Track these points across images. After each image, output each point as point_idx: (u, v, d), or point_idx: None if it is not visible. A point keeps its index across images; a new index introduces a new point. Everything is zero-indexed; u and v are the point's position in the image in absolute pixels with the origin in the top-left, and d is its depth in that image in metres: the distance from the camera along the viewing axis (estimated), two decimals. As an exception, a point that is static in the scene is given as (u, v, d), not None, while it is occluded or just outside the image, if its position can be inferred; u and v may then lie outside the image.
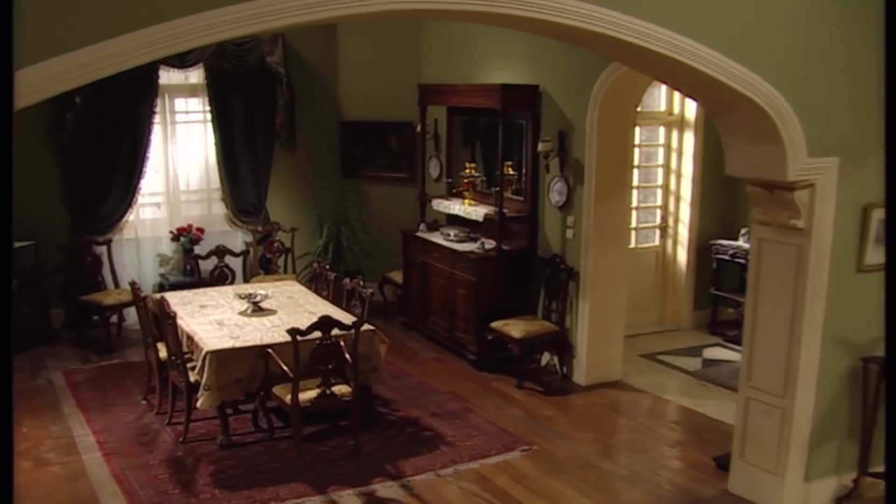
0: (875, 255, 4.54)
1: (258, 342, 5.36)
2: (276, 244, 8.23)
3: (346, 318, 5.46)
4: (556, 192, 6.75)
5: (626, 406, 6.31)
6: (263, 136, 8.41)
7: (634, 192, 7.75)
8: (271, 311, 6.03)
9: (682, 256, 8.07)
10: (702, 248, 7.98)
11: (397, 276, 8.30)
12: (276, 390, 5.31)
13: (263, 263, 8.26)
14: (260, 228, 8.31)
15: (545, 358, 7.01)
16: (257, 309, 6.02)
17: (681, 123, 7.90)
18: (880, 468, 4.73)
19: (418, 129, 8.09)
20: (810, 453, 4.63)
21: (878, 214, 4.50)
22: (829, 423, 4.66)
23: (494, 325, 6.75)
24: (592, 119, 6.31)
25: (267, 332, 5.55)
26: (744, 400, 4.82)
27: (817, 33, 4.15)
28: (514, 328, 6.62)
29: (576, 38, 3.95)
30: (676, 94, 7.70)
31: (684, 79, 4.22)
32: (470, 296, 7.01)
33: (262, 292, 6.25)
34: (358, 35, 8.56)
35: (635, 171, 7.71)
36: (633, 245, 7.83)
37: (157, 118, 7.94)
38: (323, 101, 8.75)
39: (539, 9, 3.43)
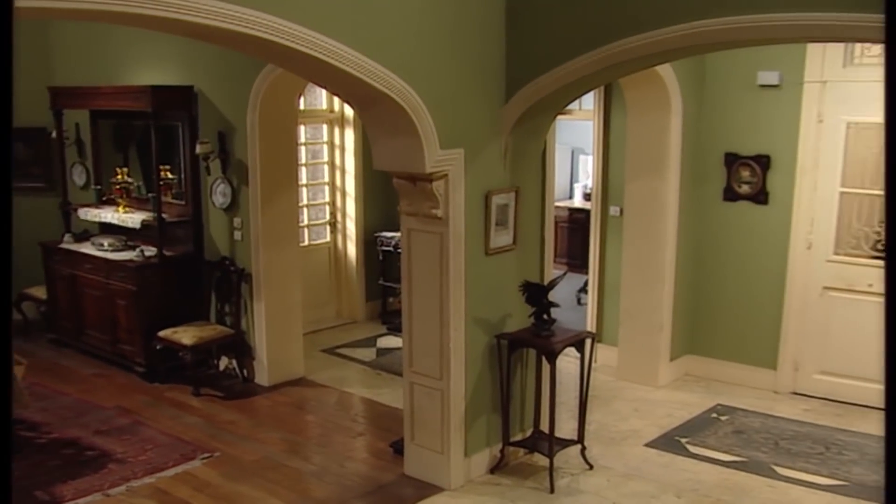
0: (497, 238, 4.85)
1: None
2: None
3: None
4: (219, 193, 6.56)
5: (311, 402, 6.34)
6: None
7: (303, 189, 7.78)
8: None
9: (352, 250, 8.24)
10: (369, 242, 8.20)
11: (39, 292, 7.60)
12: None
13: None
14: None
15: (223, 362, 6.81)
16: None
17: (341, 121, 8.05)
18: (518, 437, 5.19)
19: (53, 134, 7.41)
20: (467, 430, 4.88)
21: (497, 200, 4.81)
22: (478, 400, 4.93)
23: (163, 333, 6.43)
24: (253, 119, 6.21)
25: None
26: (409, 385, 4.97)
27: (442, 33, 4.40)
28: (185, 335, 6.36)
29: (218, 38, 3.81)
30: (336, 92, 7.88)
31: (329, 77, 4.27)
32: (131, 306, 6.59)
33: None
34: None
35: (303, 169, 7.74)
36: (305, 242, 7.87)
37: None
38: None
39: (176, 8, 3.23)
